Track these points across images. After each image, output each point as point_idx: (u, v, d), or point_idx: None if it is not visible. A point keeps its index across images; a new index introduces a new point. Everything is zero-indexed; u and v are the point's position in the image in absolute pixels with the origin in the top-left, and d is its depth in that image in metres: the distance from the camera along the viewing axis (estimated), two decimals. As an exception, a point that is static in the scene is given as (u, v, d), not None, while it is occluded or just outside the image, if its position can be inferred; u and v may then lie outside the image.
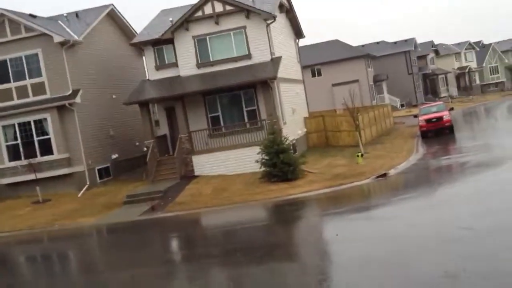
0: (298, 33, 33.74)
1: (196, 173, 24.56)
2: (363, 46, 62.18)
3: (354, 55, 53.91)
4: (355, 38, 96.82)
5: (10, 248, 19.16)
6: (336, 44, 56.65)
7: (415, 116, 33.70)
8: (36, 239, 19.56)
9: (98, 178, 26.91)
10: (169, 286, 11.41)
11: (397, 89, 60.15)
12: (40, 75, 26.25)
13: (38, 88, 26.23)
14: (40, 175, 25.05)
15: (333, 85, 52.23)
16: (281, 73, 25.31)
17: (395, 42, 66.13)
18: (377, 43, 66.69)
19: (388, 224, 13.31)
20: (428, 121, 31.01)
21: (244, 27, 25.67)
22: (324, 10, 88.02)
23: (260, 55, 25.52)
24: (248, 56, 25.65)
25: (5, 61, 26.40)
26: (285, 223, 16.06)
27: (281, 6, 28.77)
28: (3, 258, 18.08)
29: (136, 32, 31.24)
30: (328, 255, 11.91)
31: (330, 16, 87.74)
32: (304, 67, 38.74)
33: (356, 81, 51.59)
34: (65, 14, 30.44)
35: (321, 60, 53.58)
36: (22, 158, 25.55)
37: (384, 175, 20.48)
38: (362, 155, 23.90)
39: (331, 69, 53.12)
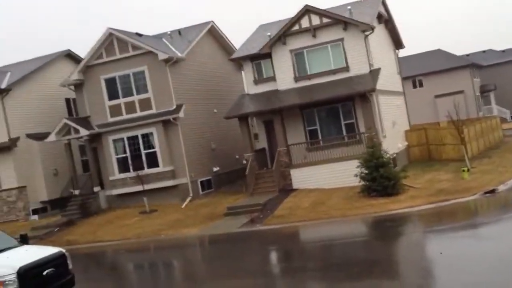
0: (397, 43, 32.96)
1: (294, 187, 24.67)
2: (467, 55, 59.39)
3: (458, 64, 51.60)
4: (459, 47, 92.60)
5: (120, 255, 20.34)
6: (438, 53, 54.59)
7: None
8: (144, 247, 20.61)
9: (200, 190, 27.85)
10: (268, 299, 11.54)
11: (507, 100, 56.62)
12: (146, 91, 27.73)
13: (145, 104, 27.71)
14: (147, 187, 26.39)
15: (436, 96, 50.30)
16: (380, 85, 24.84)
17: (503, 51, 62.42)
18: (484, 51, 63.31)
19: (497, 245, 12.54)
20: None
21: (342, 39, 25.54)
22: (425, 18, 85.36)
23: (358, 67, 25.24)
24: (346, 69, 25.46)
25: (114, 78, 28.15)
26: (385, 239, 15.67)
27: (379, 17, 28.31)
28: (114, 265, 19.25)
29: (235, 47, 32.13)
30: (430, 274, 11.46)
31: (432, 25, 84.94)
32: (404, 78, 37.71)
33: (461, 92, 49.31)
34: (168, 32, 32.03)
35: (423, 70, 51.83)
36: (131, 170, 27.06)
37: (493, 191, 19.36)
38: (468, 169, 22.78)
39: (433, 80, 51.21)
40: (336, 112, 25.62)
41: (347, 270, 12.37)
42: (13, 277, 11.11)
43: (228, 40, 33.27)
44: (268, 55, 26.80)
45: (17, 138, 29.86)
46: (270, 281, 12.89)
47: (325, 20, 25.68)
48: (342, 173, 23.55)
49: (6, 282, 11.04)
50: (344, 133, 25.32)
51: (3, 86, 29.99)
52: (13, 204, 29.92)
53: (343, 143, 24.82)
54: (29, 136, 30.32)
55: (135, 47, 27.76)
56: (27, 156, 30.11)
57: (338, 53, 25.72)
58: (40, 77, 31.98)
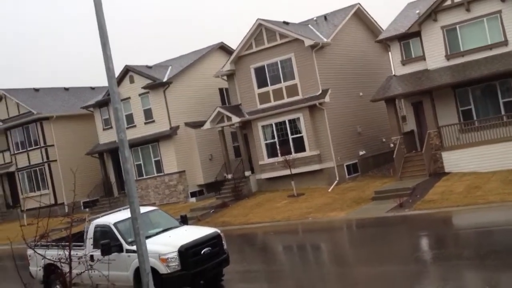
0: None
1: (446, 170, 23.55)
2: None
3: None
4: None
5: (271, 237, 21.19)
6: None
7: None
8: (292, 230, 21.24)
9: (346, 173, 27.83)
10: (419, 285, 11.30)
11: None
12: (293, 77, 28.28)
13: (292, 90, 28.30)
14: (295, 171, 27.03)
15: None
16: (545, 59, 22.59)
17: None
18: None
19: None
20: None
21: (499, 12, 23.62)
22: None
23: (518, 40, 23.19)
24: (505, 43, 23.54)
25: (263, 66, 29.12)
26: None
27: (544, -17, 25.60)
28: (265, 246, 20.14)
29: (381, 28, 31.33)
30: None
31: None
32: None
33: None
34: (314, 18, 32.23)
35: None
36: (279, 155, 27.92)
37: None
38: None
39: None
40: (493, 90, 23.86)
41: (507, 258, 11.62)
42: (175, 254, 12.20)
43: (375, 21, 32.53)
44: (417, 34, 25.73)
45: (177, 127, 32.40)
46: (422, 268, 12.51)
47: (481, -9, 23.93)
48: (500, 155, 21.96)
49: (169, 259, 12.16)
50: (503, 112, 23.50)
51: (165, 79, 32.65)
52: (174, 187, 32.60)
53: (501, 123, 23.06)
54: (187, 124, 32.72)
55: (282, 36, 28.40)
56: (185, 143, 32.57)
57: (495, 27, 23.85)
58: (196, 69, 34.29)
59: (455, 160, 23.44)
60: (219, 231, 13.56)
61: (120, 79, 33.37)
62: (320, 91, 27.43)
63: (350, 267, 14.17)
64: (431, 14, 24.98)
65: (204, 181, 32.63)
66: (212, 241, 13.09)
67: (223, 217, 25.23)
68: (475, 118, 24.15)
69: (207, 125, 30.18)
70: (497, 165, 21.98)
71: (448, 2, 24.65)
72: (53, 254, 9.81)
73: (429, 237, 16.26)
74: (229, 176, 29.86)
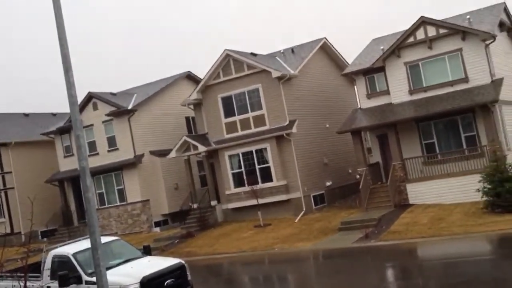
0: (522, 50, 30.81)
1: (410, 202, 23.86)
2: None
3: None
4: None
5: (236, 267, 20.88)
6: None
7: None
8: (259, 260, 20.99)
9: (313, 204, 27.87)
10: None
11: None
12: (260, 108, 28.42)
13: (259, 120, 28.42)
14: (261, 201, 26.92)
15: None
16: (503, 96, 23.38)
17: None
18: None
19: None
20: None
21: (460, 50, 24.45)
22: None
23: (478, 78, 23.98)
24: (465, 80, 24.29)
25: (231, 96, 29.21)
26: (513, 259, 14.60)
27: (501, 25, 26.70)
28: (231, 276, 19.80)
29: (347, 62, 31.97)
30: None
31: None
32: (531, 87, 35.03)
33: None
34: (282, 50, 32.69)
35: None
36: (246, 184, 27.78)
37: None
38: None
39: None
40: (455, 124, 24.50)
41: (471, 289, 11.71)
42: (137, 286, 11.86)
43: (341, 55, 33.21)
44: (381, 69, 26.36)
45: (142, 155, 31.99)
46: (387, 298, 12.52)
47: (442, 30, 24.77)
48: (462, 188, 22.41)
49: (130, 291, 11.79)
50: (464, 146, 24.11)
51: (130, 107, 32.35)
52: (137, 216, 31.99)
53: (463, 157, 23.63)
54: (152, 153, 32.35)
55: (250, 66, 28.64)
56: (150, 172, 32.13)
57: (456, 64, 24.64)
58: (162, 97, 34.13)
59: (419, 192, 23.79)
60: (183, 262, 13.30)
61: (83, 106, 32.93)
62: (287, 122, 27.62)
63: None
64: (395, 51, 25.66)
65: (169, 211, 32.13)
66: (176, 272, 12.82)
67: (188, 247, 24.80)
68: (438, 151, 24.68)
69: (172, 154, 29.89)
70: (459, 197, 22.41)
71: (411, 40, 25.40)
72: (7, 285, 9.40)
73: (395, 268, 16.31)
74: (195, 206, 29.51)
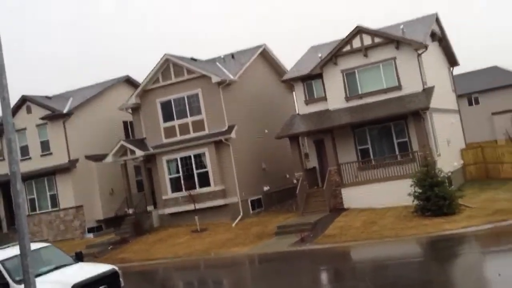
0: (452, 61, 32.30)
1: (345, 206, 24.38)
2: (527, 71, 57.25)
3: (516, 81, 49.80)
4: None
5: (171, 273, 20.61)
6: (495, 70, 52.93)
7: None
8: (194, 266, 20.82)
9: (250, 209, 27.98)
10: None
11: None
12: (199, 113, 28.28)
13: (198, 125, 28.26)
14: (199, 206, 26.75)
15: (493, 114, 48.68)
16: (434, 103, 24.35)
17: None
18: (544, 67, 60.88)
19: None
20: None
21: (394, 58, 25.29)
22: (481, 36, 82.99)
23: (411, 86, 24.87)
24: (398, 87, 25.15)
25: (170, 101, 28.91)
26: (440, 260, 15.18)
27: (433, 35, 27.87)
28: (166, 282, 19.53)
29: (286, 69, 32.38)
30: (488, 296, 11.02)
31: (488, 42, 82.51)
32: (459, 96, 36.80)
33: (520, 109, 47.49)
34: (222, 56, 32.70)
35: (479, 88, 50.30)
36: (183, 189, 27.53)
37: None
38: (528, 189, 21.85)
39: (490, 97, 49.57)
40: (388, 130, 25.28)
41: (399, 290, 12.07)
42: (67, 293, 11.50)
43: (279, 62, 33.60)
44: (319, 76, 26.85)
45: (76, 160, 31.07)
46: (320, 301, 12.72)
47: (377, 40, 25.54)
48: (395, 192, 23.08)
49: (61, 298, 11.43)
50: (397, 151, 24.91)
51: (65, 110, 31.40)
52: (69, 222, 31.03)
53: (395, 162, 24.40)
54: (88, 157, 31.49)
55: (189, 71, 28.47)
56: (85, 177, 31.24)
57: (390, 72, 25.47)
58: (99, 101, 33.33)
59: (354, 197, 24.34)
60: (116, 268, 13.01)
61: (16, 109, 31.71)
62: (226, 127, 27.62)
63: (252, 302, 14.05)
64: (332, 58, 26.22)
65: (104, 216, 31.34)
66: (108, 278, 12.54)
67: (122, 254, 24.26)
68: (372, 156, 25.36)
69: (109, 159, 29.21)
70: (392, 201, 23.06)
71: (348, 48, 26.04)
72: None
73: (328, 271, 16.60)
74: (131, 211, 28.93)
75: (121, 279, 12.91)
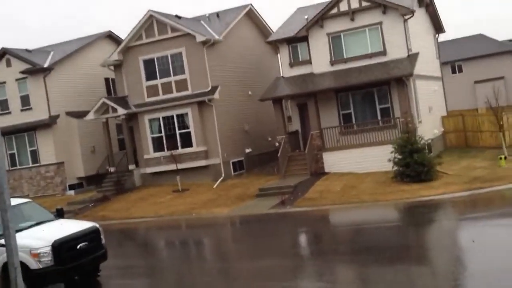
0: (438, 28, 32.22)
1: (326, 170, 24.62)
2: (510, 40, 57.56)
3: (499, 50, 50.09)
4: (502, 32, 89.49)
5: (152, 231, 20.80)
6: (480, 38, 53.13)
7: None
8: (175, 225, 21.02)
9: (232, 170, 28.08)
10: (296, 279, 11.66)
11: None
12: (183, 72, 27.98)
13: (181, 85, 27.99)
14: (180, 166, 26.77)
15: (475, 82, 49.12)
16: (417, 70, 24.42)
17: (549, 36, 60.19)
18: (528, 37, 61.20)
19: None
20: None
21: (380, 23, 25.14)
22: (469, 3, 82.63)
23: (396, 52, 24.84)
24: (383, 53, 25.10)
25: (153, 59, 28.49)
26: (416, 225, 15.55)
27: (420, 1, 27.71)
28: (146, 241, 19.72)
29: (272, 30, 32.03)
30: (462, 262, 11.35)
31: (476, 10, 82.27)
32: (443, 63, 36.96)
33: (502, 78, 47.99)
34: (207, 15, 32.15)
35: (463, 56, 50.57)
36: (165, 149, 27.49)
37: (530, 180, 18.89)
38: (505, 157, 22.27)
39: (473, 65, 49.94)
40: (371, 96, 25.35)
41: (377, 254, 12.36)
42: (48, 249, 11.53)
43: (266, 23, 33.17)
44: (305, 38, 26.62)
45: (57, 116, 30.70)
46: (299, 263, 13.00)
47: (364, 3, 25.28)
48: (375, 158, 23.37)
49: (41, 254, 11.47)
50: (379, 117, 25.06)
51: (46, 65, 30.80)
52: (50, 179, 30.87)
53: (377, 128, 24.58)
54: (69, 114, 31.13)
55: (174, 29, 27.99)
56: (66, 133, 30.96)
57: (376, 37, 25.36)
58: (81, 57, 32.70)
59: (335, 161, 24.56)
60: (97, 225, 13.06)
61: (-4, 62, 31.03)
62: (210, 88, 27.42)
63: (231, 261, 14.31)
64: (318, 21, 25.96)
65: (85, 174, 31.22)
66: (89, 235, 12.58)
67: (103, 211, 24.34)
68: (354, 121, 25.48)
69: (90, 116, 28.91)
70: (372, 166, 23.37)
71: (335, 11, 25.78)
72: None
73: (307, 234, 16.90)
74: (112, 169, 28.86)
75: (102, 236, 12.98)
